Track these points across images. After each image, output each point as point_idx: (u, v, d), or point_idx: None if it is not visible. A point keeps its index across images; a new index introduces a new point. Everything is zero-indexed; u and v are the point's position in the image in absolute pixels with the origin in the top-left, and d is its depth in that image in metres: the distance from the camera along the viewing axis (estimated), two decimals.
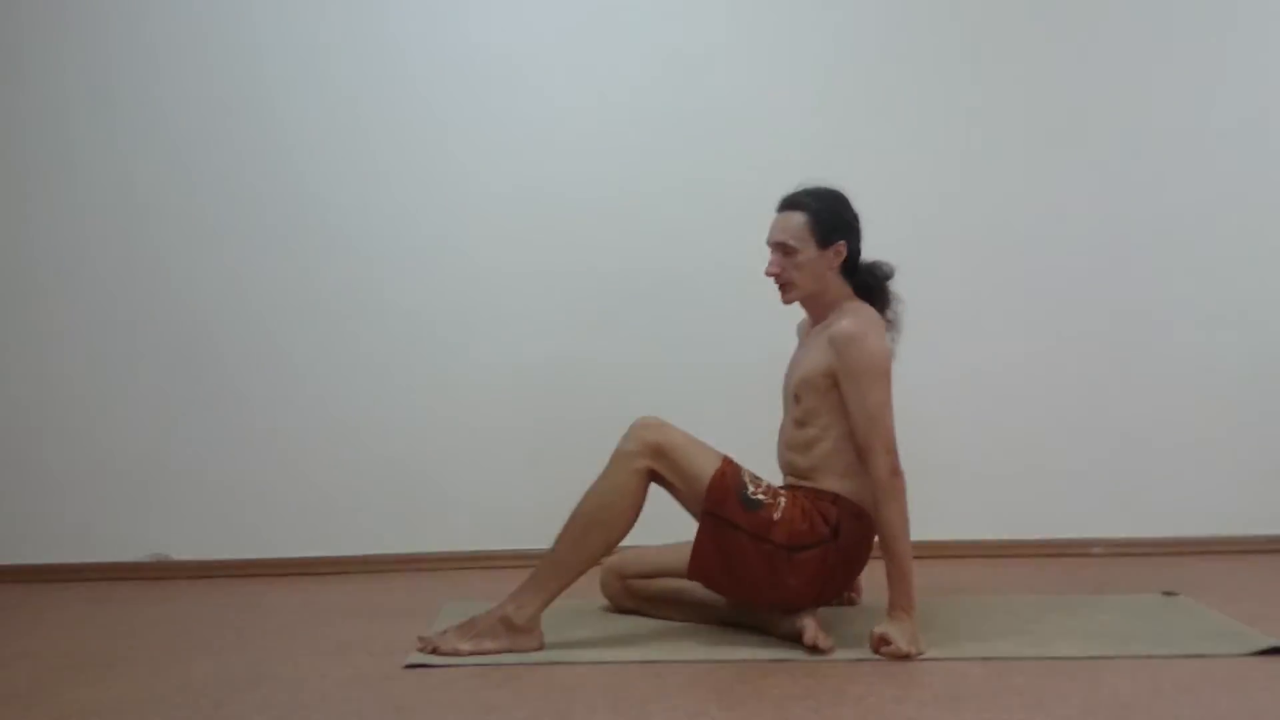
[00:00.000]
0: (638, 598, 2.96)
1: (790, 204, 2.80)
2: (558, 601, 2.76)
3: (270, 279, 3.75)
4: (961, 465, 3.64)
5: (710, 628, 2.86)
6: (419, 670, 2.59)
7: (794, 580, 2.66)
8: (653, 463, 2.70)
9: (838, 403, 2.71)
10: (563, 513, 3.53)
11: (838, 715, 2.23)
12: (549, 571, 2.74)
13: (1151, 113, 3.74)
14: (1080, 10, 3.74)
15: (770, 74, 3.75)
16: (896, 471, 2.63)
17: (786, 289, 2.80)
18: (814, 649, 2.61)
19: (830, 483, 2.74)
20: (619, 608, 3.02)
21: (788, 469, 2.84)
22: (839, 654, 2.62)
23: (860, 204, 2.83)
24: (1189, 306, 3.74)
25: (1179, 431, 3.75)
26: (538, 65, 3.74)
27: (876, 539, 2.71)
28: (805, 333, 2.95)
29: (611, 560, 3.00)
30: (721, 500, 2.67)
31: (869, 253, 2.86)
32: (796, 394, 2.78)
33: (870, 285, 2.84)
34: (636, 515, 2.72)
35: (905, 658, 2.58)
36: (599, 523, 2.71)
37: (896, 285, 2.88)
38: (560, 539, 2.74)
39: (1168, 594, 3.15)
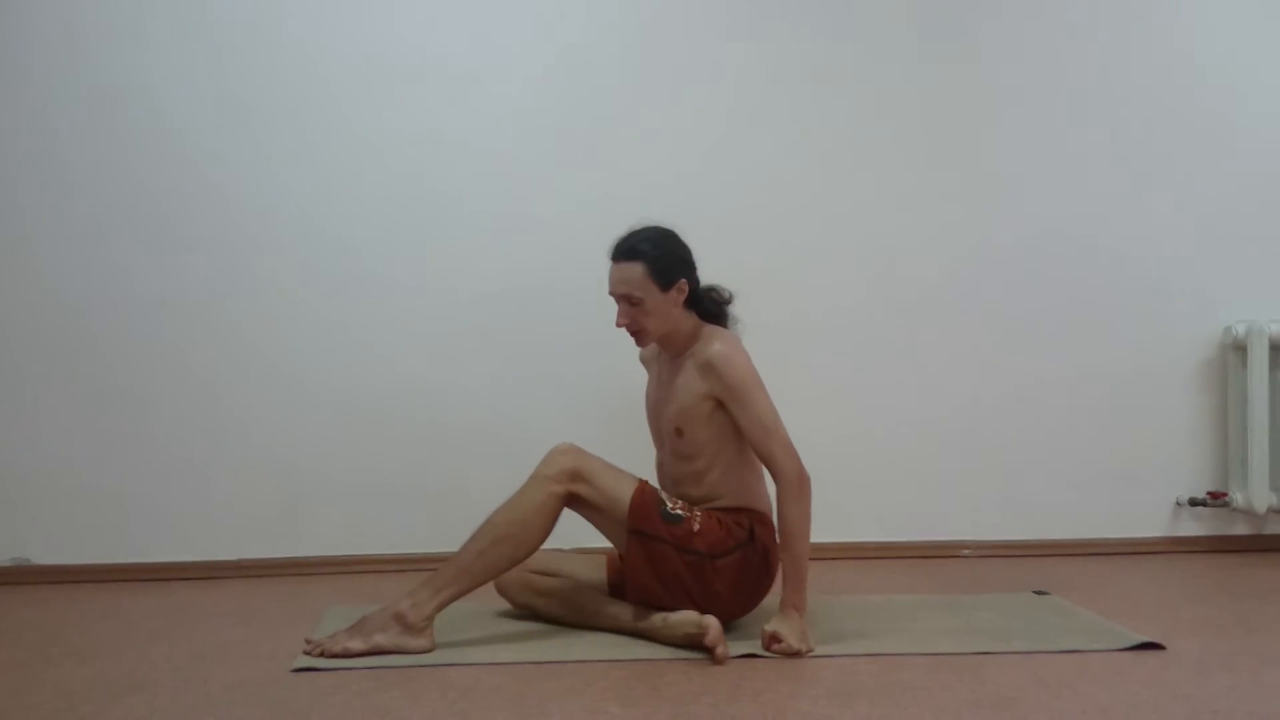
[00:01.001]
0: (534, 591, 2.94)
1: (626, 254, 2.81)
2: (457, 604, 2.75)
3: (143, 275, 3.63)
4: (838, 470, 3.69)
5: (606, 633, 2.85)
6: (308, 674, 2.53)
7: (720, 586, 2.73)
8: (572, 486, 2.73)
9: (721, 427, 2.80)
10: (441, 520, 3.54)
11: (736, 712, 2.25)
12: (450, 575, 2.72)
13: (1026, 130, 3.89)
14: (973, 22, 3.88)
15: (659, 86, 3.79)
16: (803, 474, 2.71)
17: (640, 336, 2.87)
18: (711, 651, 2.62)
19: (731, 501, 2.83)
20: (512, 601, 3.00)
21: (684, 500, 2.86)
22: (732, 650, 2.65)
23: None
24: (1056, 319, 3.90)
25: (1043, 439, 3.90)
26: (436, 69, 3.72)
27: None
28: (659, 366, 2.99)
29: None
30: (644, 517, 2.73)
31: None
32: (678, 428, 2.83)
33: (713, 312, 2.92)
34: (545, 536, 2.75)
35: (795, 655, 2.62)
36: (509, 537, 2.71)
37: (745, 306, 2.97)
38: (467, 546, 2.74)
39: (1039, 593, 3.28)
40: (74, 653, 2.74)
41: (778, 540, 2.76)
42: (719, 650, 2.60)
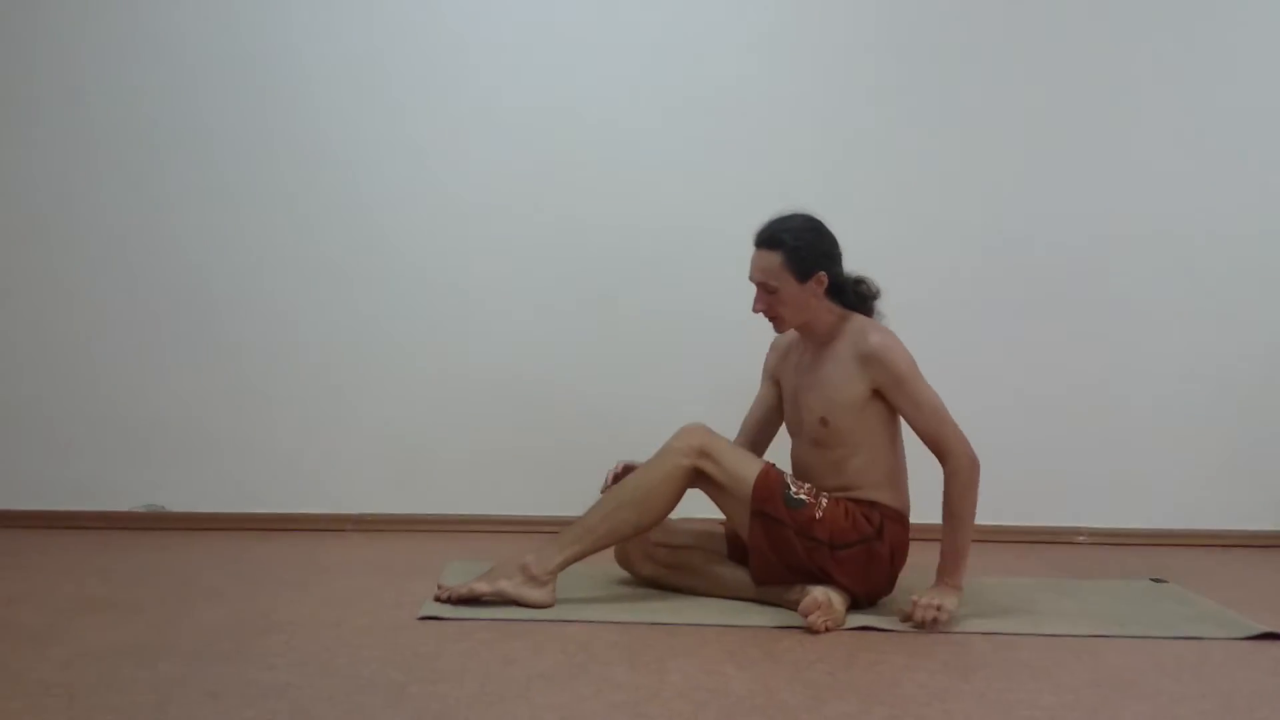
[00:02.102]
0: (658, 564, 2.99)
1: (766, 242, 2.82)
2: (572, 568, 2.83)
3: (275, 239, 3.75)
4: None
5: (724, 600, 2.90)
6: (434, 622, 2.62)
7: (840, 576, 2.75)
8: (699, 462, 2.79)
9: (871, 418, 2.81)
10: (554, 484, 3.69)
11: (852, 679, 2.28)
12: (575, 535, 2.82)
13: (1153, 117, 3.82)
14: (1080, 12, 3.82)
15: (783, 59, 3.80)
16: (974, 459, 2.74)
17: (776, 322, 2.89)
18: (805, 615, 2.64)
19: (867, 493, 2.83)
20: (636, 575, 3.04)
21: (816, 487, 2.87)
22: (849, 622, 2.68)
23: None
24: (1182, 303, 3.83)
25: (1164, 427, 3.84)
26: (546, 54, 3.77)
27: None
28: (797, 354, 2.98)
29: None
30: (767, 498, 2.76)
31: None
32: (823, 417, 2.83)
33: (857, 305, 2.92)
34: (671, 507, 2.82)
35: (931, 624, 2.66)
36: (634, 504, 2.79)
37: (888, 295, 2.97)
38: (594, 509, 2.84)
39: (1156, 580, 3.24)
40: (210, 595, 2.86)
41: (943, 518, 2.75)
42: (810, 619, 2.63)
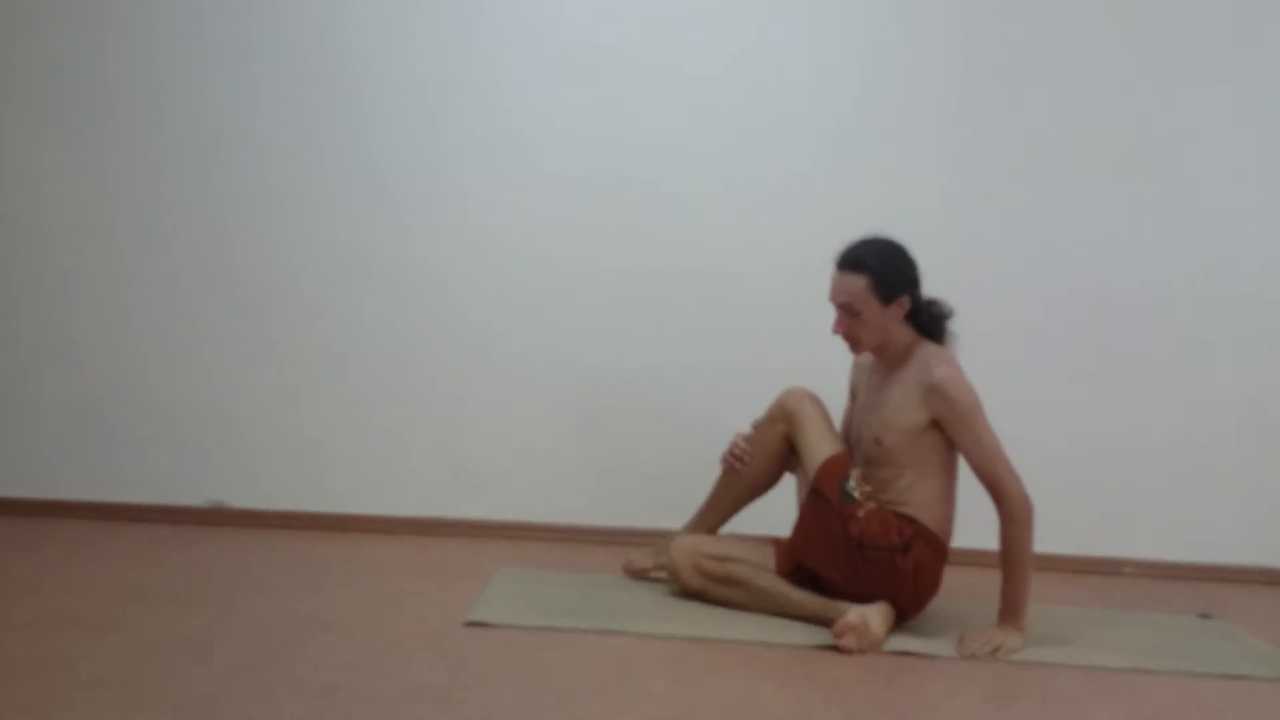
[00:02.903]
0: (706, 576, 3.02)
1: (851, 265, 2.87)
2: (619, 578, 3.09)
3: (342, 246, 3.83)
4: None
5: (766, 615, 2.93)
6: (479, 628, 2.68)
7: (867, 574, 2.81)
8: (786, 427, 3.03)
9: (925, 446, 2.86)
10: (608, 494, 3.80)
11: (890, 702, 2.31)
12: (707, 507, 3.19)
13: (1223, 146, 3.79)
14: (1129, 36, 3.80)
15: (842, 77, 3.82)
16: (1027, 499, 2.78)
17: (855, 345, 2.96)
18: (838, 638, 2.68)
19: (909, 510, 2.87)
20: (684, 587, 3.07)
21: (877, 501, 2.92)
22: (888, 646, 2.71)
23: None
24: (1237, 336, 3.79)
25: (1218, 460, 3.80)
26: (614, 58, 3.82)
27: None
28: (870, 373, 3.05)
29: (688, 539, 3.09)
30: (826, 479, 2.87)
31: (926, 281, 2.96)
32: (878, 438, 2.89)
33: (930, 328, 2.95)
34: (775, 471, 3.11)
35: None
36: (744, 476, 3.10)
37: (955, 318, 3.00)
38: (715, 486, 3.17)
39: (1204, 616, 3.22)
40: (266, 591, 2.94)
41: (1002, 561, 2.79)
42: (842, 642, 2.66)
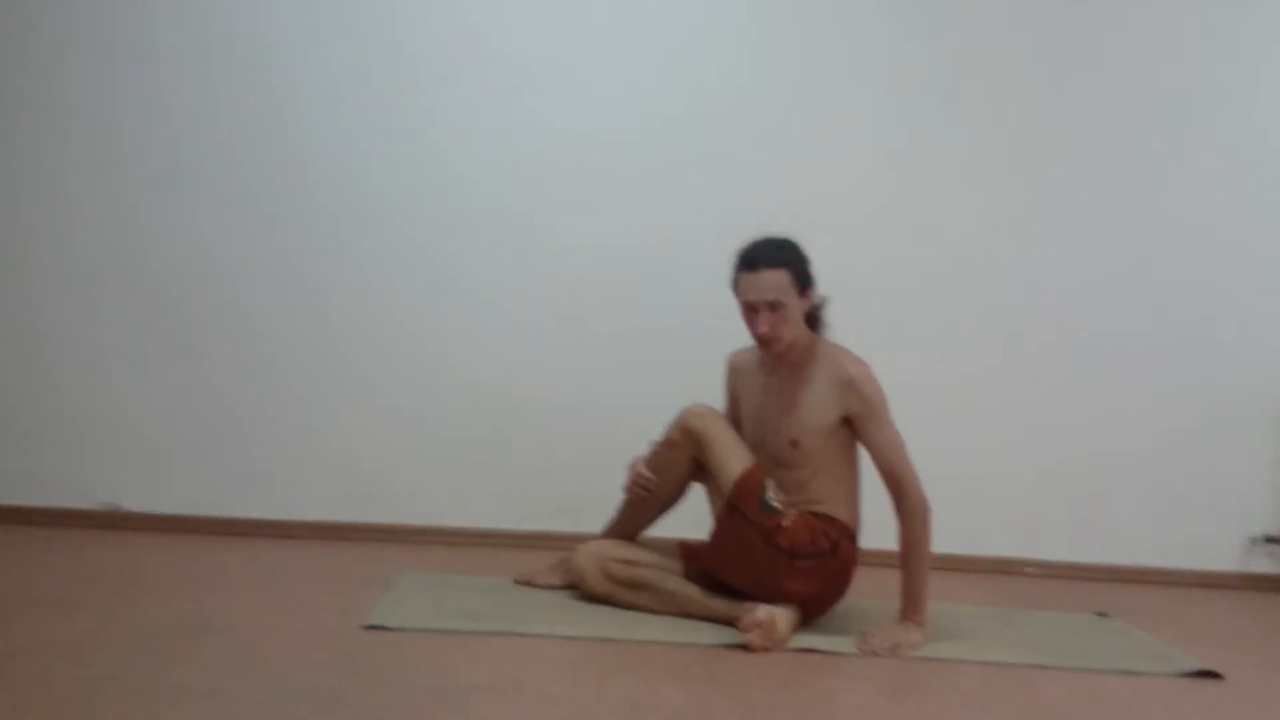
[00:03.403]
0: (612, 581, 2.99)
1: (772, 261, 2.85)
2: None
3: (244, 244, 3.76)
4: None
5: (671, 617, 2.91)
6: (377, 631, 2.62)
7: (793, 586, 2.81)
8: (693, 450, 2.93)
9: (837, 443, 2.89)
10: (515, 497, 3.76)
11: (787, 700, 2.30)
12: (616, 526, 3.12)
13: (1123, 158, 3.87)
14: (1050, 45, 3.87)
15: (763, 85, 3.84)
16: (928, 503, 2.82)
17: (776, 343, 2.89)
18: (744, 632, 2.68)
19: (826, 508, 2.89)
20: (589, 592, 3.03)
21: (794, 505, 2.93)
22: (791, 644, 2.71)
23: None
24: (1143, 348, 3.88)
25: (1120, 465, 3.88)
26: (524, 59, 3.80)
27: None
28: (762, 375, 3.01)
29: (593, 544, 3.06)
30: (743, 495, 2.84)
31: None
32: (794, 440, 2.88)
33: (814, 320, 2.97)
34: (684, 489, 3.04)
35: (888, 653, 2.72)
36: (651, 497, 3.03)
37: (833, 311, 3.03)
38: (623, 503, 3.10)
39: (1100, 615, 3.27)
40: (156, 595, 2.86)
41: (903, 559, 2.83)
42: (748, 638, 2.66)
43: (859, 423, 2.85)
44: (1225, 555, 3.90)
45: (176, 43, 3.73)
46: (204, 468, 3.77)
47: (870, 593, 3.03)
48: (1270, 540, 3.87)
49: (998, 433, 3.86)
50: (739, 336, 3.00)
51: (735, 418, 3.10)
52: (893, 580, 2.85)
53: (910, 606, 2.82)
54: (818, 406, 2.86)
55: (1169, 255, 3.88)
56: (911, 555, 2.82)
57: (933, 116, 3.86)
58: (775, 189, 3.78)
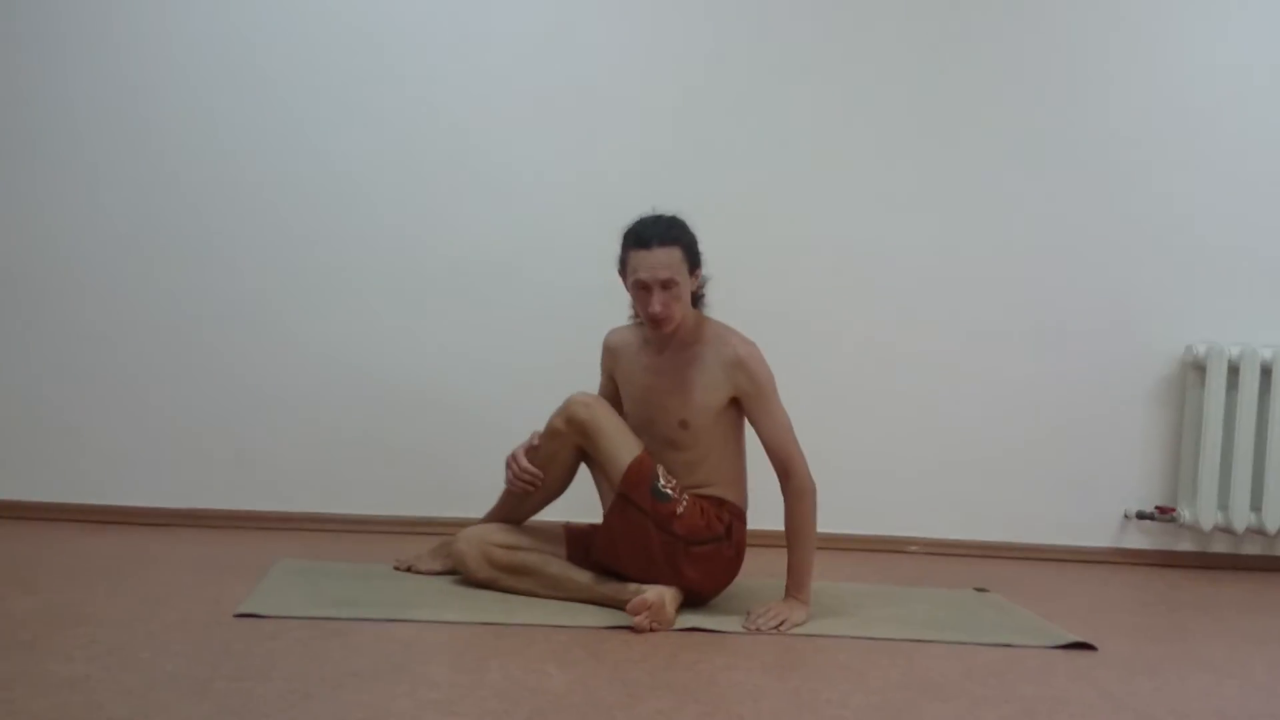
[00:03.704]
0: (495, 566, 2.94)
1: (665, 239, 2.81)
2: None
3: (109, 220, 3.65)
4: None
5: (556, 601, 2.88)
6: (251, 620, 2.55)
7: (689, 572, 2.80)
8: (579, 440, 2.86)
9: (725, 424, 2.89)
10: (398, 483, 3.70)
11: (671, 679, 2.29)
12: (498, 512, 3.05)
13: (1002, 139, 3.94)
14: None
15: (647, 65, 3.82)
16: (812, 478, 2.84)
17: (669, 323, 2.85)
18: (633, 615, 2.66)
19: (717, 491, 2.89)
20: (472, 579, 2.97)
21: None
22: (679, 623, 2.71)
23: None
24: (1020, 327, 3.95)
25: (998, 444, 3.95)
26: (404, 35, 3.73)
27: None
28: (645, 355, 2.97)
29: (475, 529, 3.00)
30: (635, 485, 2.80)
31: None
32: (684, 420, 2.86)
33: (697, 297, 2.95)
34: (569, 480, 2.98)
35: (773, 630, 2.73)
36: (535, 489, 2.96)
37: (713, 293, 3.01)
38: (504, 493, 3.02)
39: (979, 590, 3.33)
40: (21, 584, 2.75)
41: (790, 538, 2.84)
42: (636, 620, 2.64)
43: (747, 403, 2.85)
44: (1101, 532, 4.00)
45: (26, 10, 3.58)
46: (66, 453, 3.63)
47: (755, 573, 3.03)
48: (1143, 516, 3.97)
49: (881, 414, 3.90)
50: (617, 317, 2.98)
51: (612, 397, 3.06)
52: (777, 560, 2.86)
53: (795, 584, 2.83)
54: (708, 387, 2.85)
55: (1046, 236, 3.96)
56: (798, 534, 2.83)
57: (819, 93, 3.88)
58: (658, 169, 3.76)
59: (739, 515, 2.91)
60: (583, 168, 3.78)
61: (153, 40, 3.65)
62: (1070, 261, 3.96)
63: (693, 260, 2.85)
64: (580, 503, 3.02)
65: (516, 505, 3.03)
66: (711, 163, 3.82)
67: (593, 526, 2.96)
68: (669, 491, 2.82)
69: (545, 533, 3.02)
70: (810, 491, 2.83)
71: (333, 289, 3.72)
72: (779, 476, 2.84)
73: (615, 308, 3.02)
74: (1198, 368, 3.95)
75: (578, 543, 2.95)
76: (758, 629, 2.71)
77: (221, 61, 3.67)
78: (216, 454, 3.69)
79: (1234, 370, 3.91)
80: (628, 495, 2.81)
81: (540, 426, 2.96)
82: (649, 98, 3.81)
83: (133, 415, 3.66)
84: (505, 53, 3.76)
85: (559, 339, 3.69)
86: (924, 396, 3.93)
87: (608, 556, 2.87)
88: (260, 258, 3.69)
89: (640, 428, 2.95)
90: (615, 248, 2.87)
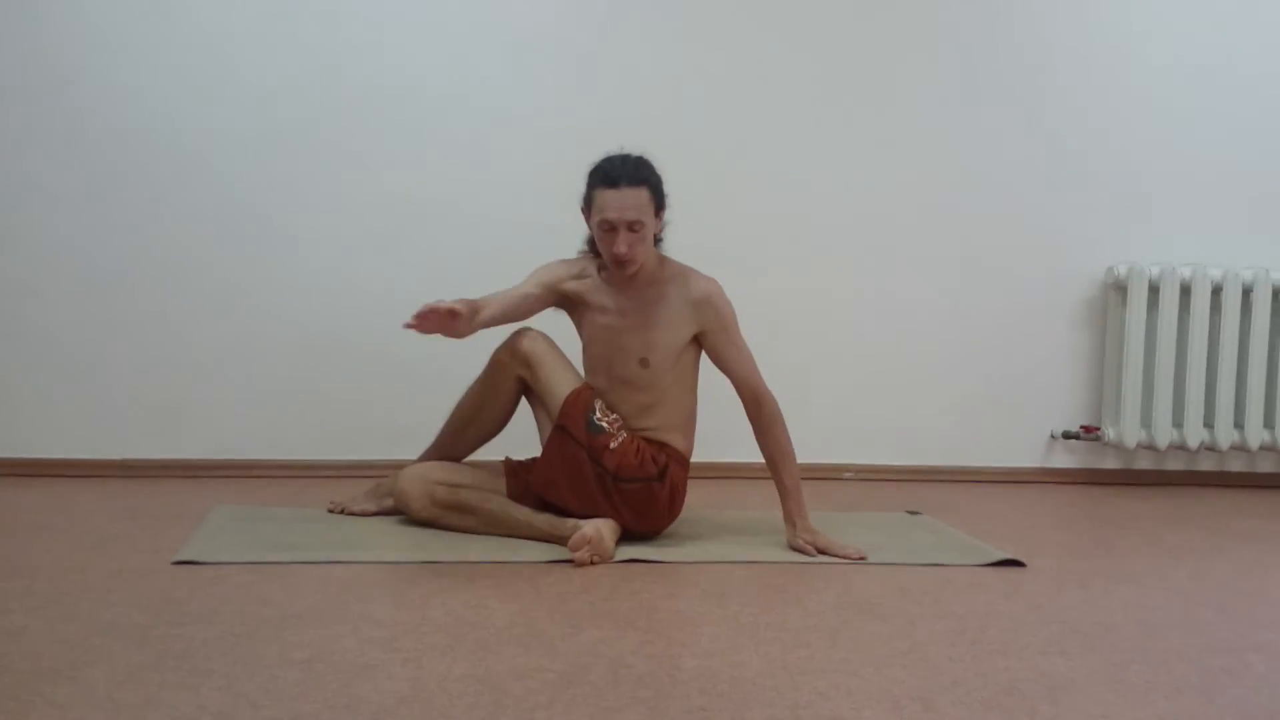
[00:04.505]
0: (436, 504, 2.93)
1: (634, 179, 2.79)
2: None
3: (28, 167, 3.57)
4: (727, 392, 3.79)
5: (498, 537, 2.88)
6: (189, 566, 2.54)
7: (622, 505, 2.83)
8: (522, 370, 2.89)
9: (685, 364, 2.93)
10: (332, 427, 3.69)
11: (612, 609, 2.32)
12: (434, 454, 3.05)
13: (921, 65, 3.97)
14: None
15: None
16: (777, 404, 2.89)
17: (633, 264, 2.84)
18: (574, 550, 2.67)
19: (666, 436, 2.93)
20: (414, 516, 2.97)
21: (627, 429, 2.91)
22: (618, 555, 2.73)
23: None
24: (944, 251, 4.01)
25: (925, 368, 4.03)
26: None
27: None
28: (603, 295, 2.93)
29: (417, 468, 3.00)
30: (571, 417, 2.83)
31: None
32: (644, 359, 2.87)
33: (656, 237, 2.95)
34: (509, 415, 3.02)
35: (861, 558, 2.81)
36: (475, 421, 3.01)
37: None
38: (443, 431, 3.05)
39: (912, 513, 3.40)
40: None
41: (779, 464, 2.91)
42: (577, 555, 2.66)
43: (713, 339, 2.89)
44: (1028, 452, 4.10)
45: None
46: None
47: (718, 505, 3.07)
48: (1068, 436, 4.07)
49: (810, 345, 3.95)
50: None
51: (530, 301, 2.93)
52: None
53: (799, 508, 2.90)
54: (671, 324, 2.87)
55: (971, 153, 4.01)
56: (786, 459, 2.91)
57: (748, 27, 3.88)
58: (597, 111, 3.75)
59: (679, 460, 2.93)
60: (518, 109, 3.75)
61: None
62: (992, 187, 4.02)
63: (659, 201, 2.84)
64: (521, 439, 3.02)
65: (456, 439, 3.04)
66: (641, 97, 3.80)
67: (532, 460, 2.97)
68: (603, 424, 2.84)
69: (486, 469, 3.02)
70: (779, 414, 2.91)
71: (264, 235, 3.67)
72: (748, 407, 2.90)
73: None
74: (1119, 288, 4.04)
75: (518, 478, 2.96)
76: (847, 556, 2.78)
77: (143, 4, 3.57)
78: (147, 404, 3.65)
79: (1154, 290, 4.00)
80: (565, 426, 2.84)
81: (472, 368, 2.95)
82: (575, 32, 3.77)
83: (60, 368, 3.60)
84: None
85: (494, 279, 3.66)
86: (851, 325, 3.98)
87: (546, 489, 2.88)
88: (191, 207, 3.63)
89: (597, 367, 2.95)
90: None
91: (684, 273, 2.92)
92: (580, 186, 2.87)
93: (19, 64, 3.53)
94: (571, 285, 2.99)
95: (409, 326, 2.63)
